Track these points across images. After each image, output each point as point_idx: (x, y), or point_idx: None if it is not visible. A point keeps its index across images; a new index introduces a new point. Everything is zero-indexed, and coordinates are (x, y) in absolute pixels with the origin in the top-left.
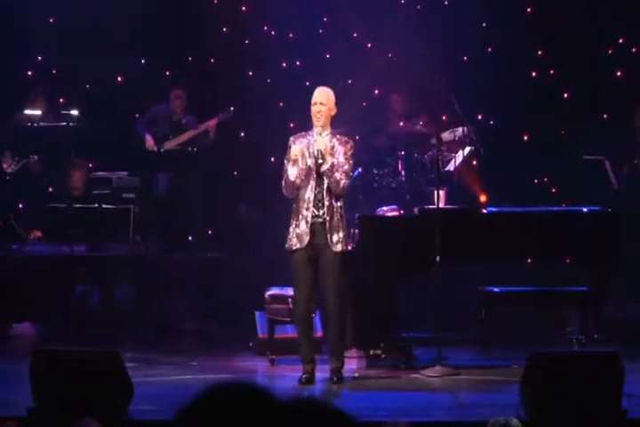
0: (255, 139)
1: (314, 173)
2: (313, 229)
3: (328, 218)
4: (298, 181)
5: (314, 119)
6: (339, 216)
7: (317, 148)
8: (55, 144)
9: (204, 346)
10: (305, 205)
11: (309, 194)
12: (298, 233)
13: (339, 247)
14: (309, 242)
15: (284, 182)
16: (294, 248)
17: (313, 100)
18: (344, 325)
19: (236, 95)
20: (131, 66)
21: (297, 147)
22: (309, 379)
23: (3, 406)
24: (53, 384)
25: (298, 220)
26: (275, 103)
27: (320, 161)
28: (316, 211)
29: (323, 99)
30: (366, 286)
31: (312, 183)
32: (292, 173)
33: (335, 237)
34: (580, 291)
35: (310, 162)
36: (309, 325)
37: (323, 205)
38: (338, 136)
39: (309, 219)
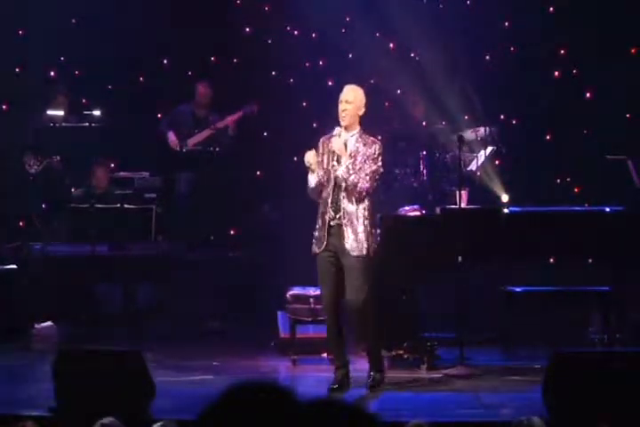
0: (278, 139)
1: (331, 174)
2: (330, 231)
3: (345, 221)
4: (319, 186)
5: (340, 118)
6: (361, 220)
7: (332, 148)
8: (77, 145)
9: (226, 346)
10: (323, 208)
11: (328, 196)
12: (317, 236)
13: (356, 253)
14: (327, 245)
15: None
16: (315, 251)
17: (339, 98)
18: (374, 327)
19: (258, 95)
20: (153, 66)
21: (309, 153)
22: (341, 386)
23: (23, 406)
24: (76, 384)
25: (318, 222)
26: (297, 103)
27: (334, 163)
28: (333, 213)
29: (349, 97)
30: (388, 285)
31: (331, 185)
32: (311, 179)
33: (353, 243)
34: (603, 291)
35: (329, 163)
36: (339, 328)
37: (339, 208)
38: (364, 136)
39: (327, 222)
